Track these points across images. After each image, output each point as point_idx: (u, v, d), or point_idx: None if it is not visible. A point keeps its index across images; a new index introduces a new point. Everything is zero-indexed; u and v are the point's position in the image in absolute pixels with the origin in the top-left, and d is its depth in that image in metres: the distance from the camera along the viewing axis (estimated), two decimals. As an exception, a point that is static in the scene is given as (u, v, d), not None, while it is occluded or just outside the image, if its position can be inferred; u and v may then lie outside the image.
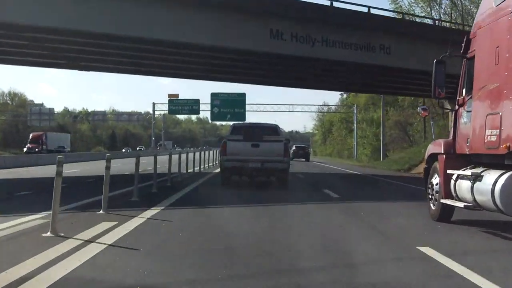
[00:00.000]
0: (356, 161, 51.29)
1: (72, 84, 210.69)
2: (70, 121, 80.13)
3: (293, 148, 52.18)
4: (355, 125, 55.86)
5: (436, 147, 8.51)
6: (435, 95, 7.81)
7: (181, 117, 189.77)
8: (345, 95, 70.58)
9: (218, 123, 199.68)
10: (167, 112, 57.03)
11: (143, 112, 61.45)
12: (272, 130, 14.93)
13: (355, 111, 56.29)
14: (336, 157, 63.46)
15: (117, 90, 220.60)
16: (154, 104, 59.22)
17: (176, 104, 55.63)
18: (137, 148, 68.68)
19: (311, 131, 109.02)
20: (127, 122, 64.14)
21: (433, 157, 8.50)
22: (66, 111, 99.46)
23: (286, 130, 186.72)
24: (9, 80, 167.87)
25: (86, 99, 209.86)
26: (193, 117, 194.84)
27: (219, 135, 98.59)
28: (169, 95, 55.56)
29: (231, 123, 27.29)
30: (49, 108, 62.96)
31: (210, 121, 54.60)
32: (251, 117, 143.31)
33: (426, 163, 8.88)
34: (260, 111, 57.62)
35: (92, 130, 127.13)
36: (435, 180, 8.28)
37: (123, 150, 68.09)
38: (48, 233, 6.28)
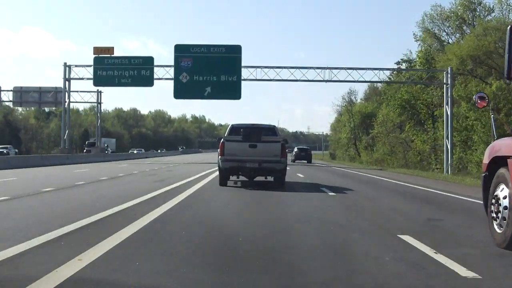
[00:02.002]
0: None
1: None
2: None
3: (295, 150, 49.21)
4: (448, 108, 29.68)
5: (504, 148, 6.42)
6: (509, 75, 5.99)
7: (174, 114, 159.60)
8: (403, 65, 45.08)
9: (216, 122, 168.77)
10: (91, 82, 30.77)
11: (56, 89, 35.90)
12: (270, 130, 15.78)
13: (448, 81, 29.81)
14: (394, 167, 37.90)
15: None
16: (67, 66, 32.61)
17: (108, 67, 29.67)
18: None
19: (324, 132, 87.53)
20: (37, 103, 38.84)
21: (498, 161, 6.46)
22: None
23: (290, 131, 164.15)
24: None
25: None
26: (188, 115, 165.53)
27: (217, 135, 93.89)
28: (96, 50, 29.63)
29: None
30: None
31: (174, 98, 26.98)
32: (248, 100, 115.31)
33: (485, 169, 6.86)
34: (266, 80, 31.22)
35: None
36: (503, 193, 6.29)
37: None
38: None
